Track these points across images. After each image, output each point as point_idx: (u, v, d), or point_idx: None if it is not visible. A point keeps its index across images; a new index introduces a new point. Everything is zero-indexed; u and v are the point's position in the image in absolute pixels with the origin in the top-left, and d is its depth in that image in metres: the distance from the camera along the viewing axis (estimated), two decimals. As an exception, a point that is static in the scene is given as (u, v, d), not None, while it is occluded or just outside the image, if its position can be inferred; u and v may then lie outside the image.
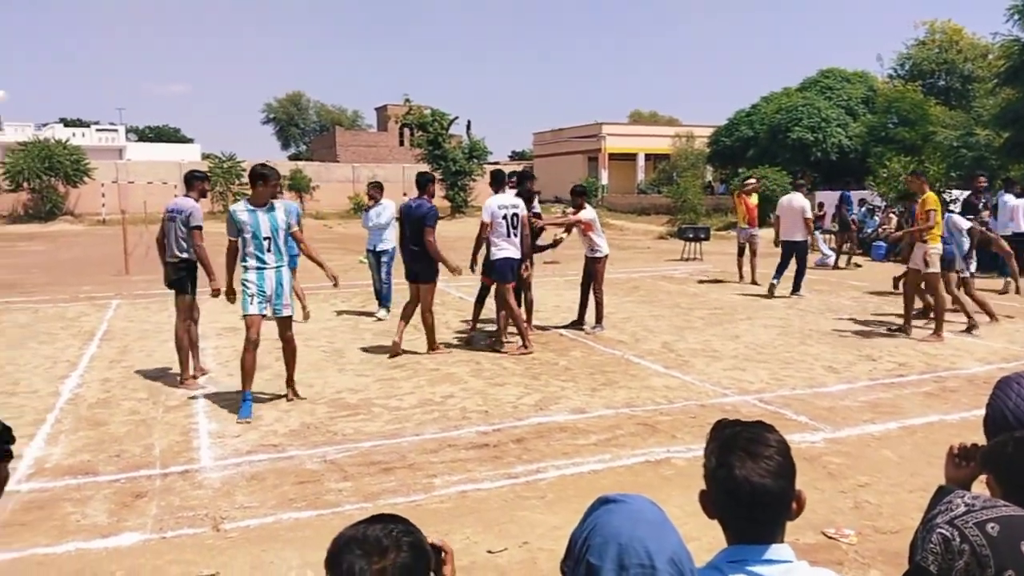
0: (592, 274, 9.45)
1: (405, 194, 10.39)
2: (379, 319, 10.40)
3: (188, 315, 7.12)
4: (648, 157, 43.95)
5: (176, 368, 7.19)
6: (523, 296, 8.99)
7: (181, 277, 7.04)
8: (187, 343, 7.10)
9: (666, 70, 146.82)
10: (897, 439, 5.48)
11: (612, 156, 43.88)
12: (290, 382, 6.58)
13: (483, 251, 8.48)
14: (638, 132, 47.29)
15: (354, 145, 56.34)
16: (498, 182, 8.46)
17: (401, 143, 54.68)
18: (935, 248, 8.86)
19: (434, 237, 7.94)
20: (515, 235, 8.23)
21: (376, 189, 10.91)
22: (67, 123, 58.79)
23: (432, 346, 8.27)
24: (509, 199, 8.36)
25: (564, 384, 6.96)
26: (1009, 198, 13.73)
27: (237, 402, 6.28)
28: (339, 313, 10.94)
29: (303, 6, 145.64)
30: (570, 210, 9.83)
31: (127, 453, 5.22)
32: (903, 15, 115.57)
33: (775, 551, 1.54)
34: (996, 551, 1.18)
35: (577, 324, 9.62)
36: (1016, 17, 17.28)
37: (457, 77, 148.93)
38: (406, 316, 8.22)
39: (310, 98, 76.62)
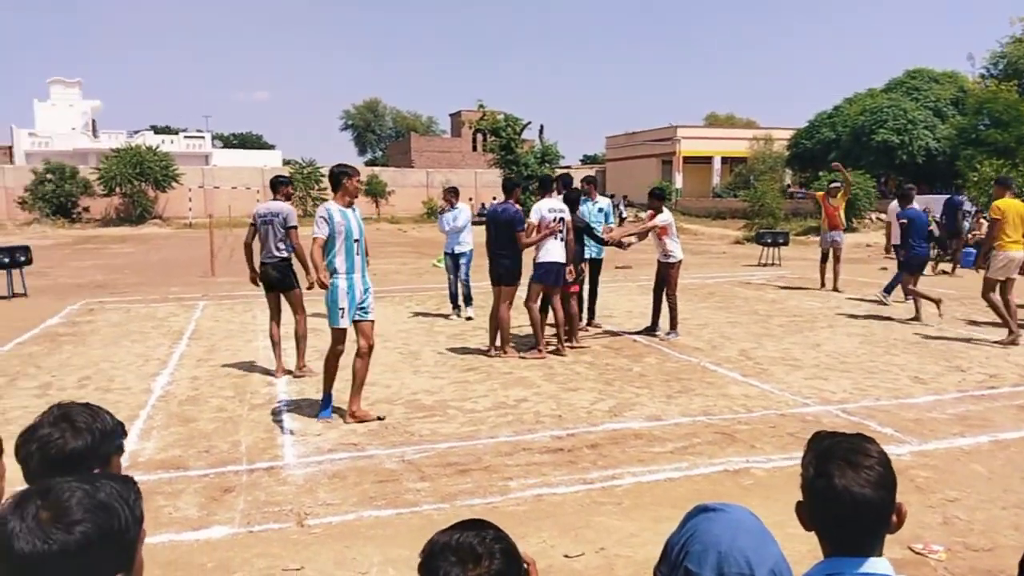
0: (666, 279, 9.38)
1: (494, 198, 10.60)
2: (468, 318, 10.69)
3: (301, 308, 7.61)
4: (724, 160, 43.24)
5: (263, 362, 7.47)
6: (567, 304, 8.71)
7: (287, 275, 7.53)
8: (302, 334, 7.64)
9: (744, 71, 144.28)
10: (988, 453, 5.25)
11: (687, 159, 43.32)
12: (355, 398, 6.14)
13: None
14: (714, 135, 46.54)
15: (428, 151, 57.25)
16: (545, 187, 8.71)
17: (474, 148, 55.24)
18: (1000, 255, 9.01)
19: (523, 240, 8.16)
20: (561, 239, 8.31)
21: (452, 194, 11.18)
22: (157, 131, 61.57)
23: (504, 347, 8.34)
24: (557, 203, 8.47)
25: (639, 391, 6.91)
26: None
27: (315, 403, 6.49)
28: (414, 315, 11.14)
29: (380, 15, 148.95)
30: (646, 214, 9.75)
31: (215, 449, 5.44)
32: (997, 11, 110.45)
33: (873, 564, 1.52)
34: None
35: (651, 330, 9.54)
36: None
37: (530, 82, 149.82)
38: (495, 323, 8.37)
39: (386, 105, 78.40)
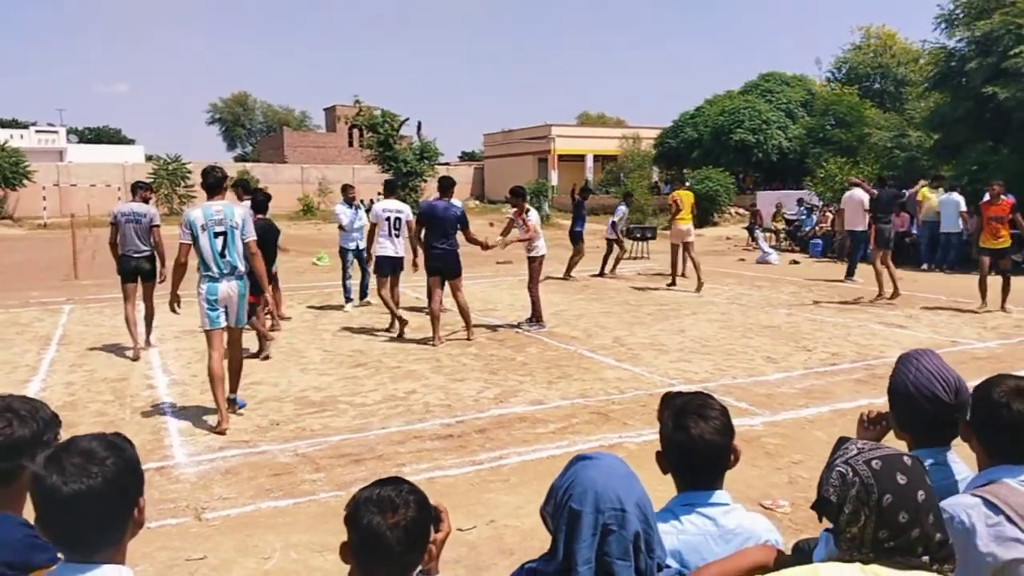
0: (528, 273, 9.92)
1: (379, 193, 10.90)
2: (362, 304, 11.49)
3: (152, 295, 8.65)
4: (596, 158, 44.59)
5: (142, 365, 7.35)
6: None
7: (154, 266, 8.52)
8: (151, 315, 8.75)
9: (613, 72, 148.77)
10: (828, 421, 5.96)
11: (561, 157, 44.41)
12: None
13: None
14: (586, 134, 47.92)
15: (302, 146, 55.87)
16: (389, 189, 9.84)
17: (350, 144, 54.42)
18: (677, 227, 13.35)
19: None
20: (397, 236, 9.38)
21: (354, 190, 11.76)
22: (4, 124, 57.05)
23: (470, 331, 9.11)
24: (394, 204, 9.54)
25: (522, 378, 7.30)
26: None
27: (202, 402, 6.55)
28: (297, 313, 11.10)
29: (248, 5, 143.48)
30: (512, 211, 10.18)
31: (101, 451, 5.37)
32: (841, 20, 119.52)
33: (718, 496, 1.92)
34: (879, 481, 1.54)
35: (532, 320, 9.97)
36: (943, 26, 18.24)
37: (407, 78, 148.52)
38: (437, 314, 8.89)
39: (256, 98, 75.71)
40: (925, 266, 15.69)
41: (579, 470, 1.69)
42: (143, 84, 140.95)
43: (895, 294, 11.68)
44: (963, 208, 14.87)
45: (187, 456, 5.33)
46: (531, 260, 9.86)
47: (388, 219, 9.34)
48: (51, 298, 12.81)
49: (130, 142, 64.46)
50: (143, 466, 1.67)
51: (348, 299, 11.49)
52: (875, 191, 12.76)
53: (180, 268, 5.97)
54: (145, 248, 8.38)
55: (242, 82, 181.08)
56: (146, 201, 8.65)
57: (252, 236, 6.02)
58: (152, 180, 37.54)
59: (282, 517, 4.32)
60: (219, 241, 5.84)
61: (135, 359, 8.20)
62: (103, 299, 12.40)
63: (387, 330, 9.61)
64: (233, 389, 6.18)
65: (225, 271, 5.88)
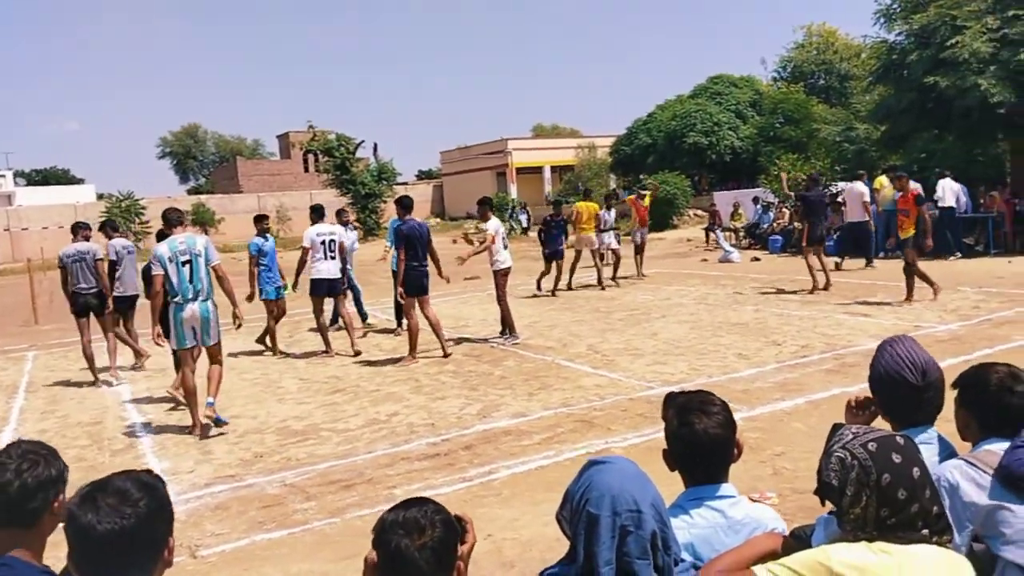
0: (495, 286, 9.98)
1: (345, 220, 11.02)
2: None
3: (110, 327, 9.14)
4: (554, 169, 44.95)
5: (115, 408, 7.25)
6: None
7: (103, 301, 8.97)
8: (112, 348, 9.12)
9: (565, 83, 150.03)
10: (805, 412, 6.11)
11: (519, 170, 44.68)
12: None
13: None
14: (543, 145, 48.32)
15: (257, 175, 55.39)
16: (317, 214, 10.00)
17: (306, 170, 54.16)
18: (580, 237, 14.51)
19: None
20: (332, 258, 9.65)
21: (347, 214, 12.08)
22: (-55, 171, 55.55)
23: (444, 345, 9.13)
24: (327, 227, 9.84)
25: (502, 392, 7.36)
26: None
27: (182, 440, 6.52)
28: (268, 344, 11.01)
29: (192, 36, 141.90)
30: (480, 226, 10.42)
31: (85, 497, 5.29)
32: (783, 20, 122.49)
33: (724, 489, 2.00)
34: (876, 461, 1.64)
35: (505, 333, 10.06)
36: (882, 20, 18.80)
37: (360, 100, 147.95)
38: (417, 330, 9.03)
39: (207, 129, 74.97)
40: (882, 254, 16.07)
41: (594, 474, 1.75)
42: (89, 121, 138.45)
43: (827, 286, 12.17)
44: (866, 197, 15.25)
45: (174, 495, 5.19)
46: (495, 273, 9.93)
47: (323, 242, 9.61)
48: (12, 345, 12.53)
49: (79, 181, 63.16)
50: None
51: (365, 317, 11.79)
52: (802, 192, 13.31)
53: (157, 297, 6.58)
54: (93, 284, 8.91)
55: (192, 114, 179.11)
56: (87, 239, 9.16)
57: (217, 260, 6.77)
58: (105, 220, 37.02)
59: (278, 548, 4.31)
60: (186, 269, 6.56)
61: (95, 385, 8.80)
62: (66, 343, 12.14)
63: (324, 352, 9.72)
64: (213, 394, 6.65)
65: (190, 296, 6.57)
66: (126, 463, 6.07)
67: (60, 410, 7.94)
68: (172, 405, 7.59)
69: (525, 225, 35.40)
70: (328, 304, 10.32)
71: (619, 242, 15.89)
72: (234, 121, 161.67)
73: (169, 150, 73.75)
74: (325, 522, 4.60)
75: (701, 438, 1.98)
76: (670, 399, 2.13)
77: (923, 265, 11.19)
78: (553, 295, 13.95)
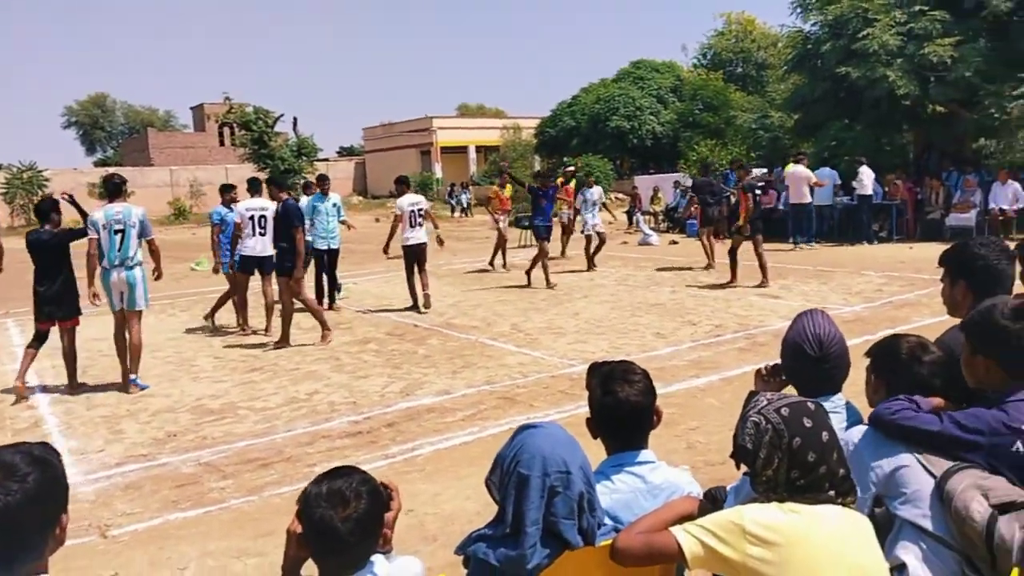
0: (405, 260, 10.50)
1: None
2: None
3: None
4: (479, 149, 44.79)
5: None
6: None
7: None
8: None
9: (490, 63, 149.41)
10: (718, 389, 6.32)
11: (444, 150, 44.35)
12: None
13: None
14: (467, 125, 48.00)
15: (169, 147, 53.20)
16: (252, 188, 9.60)
17: (222, 143, 52.31)
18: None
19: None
20: (263, 234, 9.24)
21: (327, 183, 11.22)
22: None
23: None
24: (259, 203, 9.34)
25: (426, 371, 7.34)
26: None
27: (90, 419, 6.33)
28: (180, 322, 10.67)
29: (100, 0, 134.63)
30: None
31: (-16, 479, 5.04)
32: (704, 6, 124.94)
33: (644, 455, 2.07)
34: (788, 425, 1.72)
35: (414, 307, 10.43)
36: (799, 10, 19.39)
37: (279, 72, 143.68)
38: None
39: (116, 99, 71.40)
40: (791, 240, 16.61)
41: (526, 438, 1.78)
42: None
43: (709, 266, 13.12)
44: (812, 179, 15.56)
45: (82, 475, 5.08)
46: (403, 248, 10.40)
47: (252, 218, 9.24)
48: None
49: (-26, 150, 59.44)
50: None
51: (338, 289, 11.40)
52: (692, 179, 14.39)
53: (91, 259, 6.99)
54: None
55: (99, 83, 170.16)
56: None
57: (151, 235, 7.29)
58: (5, 191, 34.98)
59: (194, 527, 4.21)
60: (117, 238, 6.98)
61: None
62: (-38, 319, 11.50)
63: (265, 331, 9.43)
64: (134, 369, 7.12)
65: (116, 263, 6.99)
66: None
67: (-44, 389, 7.52)
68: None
69: (465, 205, 35.19)
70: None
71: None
72: (145, 91, 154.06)
73: (75, 119, 69.94)
74: (243, 500, 4.52)
75: (624, 405, 2.04)
76: (594, 369, 2.18)
77: (841, 248, 11.72)
78: (550, 285, 11.95)
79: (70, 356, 7.19)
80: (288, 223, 8.40)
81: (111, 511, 4.45)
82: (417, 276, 10.43)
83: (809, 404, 1.78)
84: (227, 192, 10.18)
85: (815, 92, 18.42)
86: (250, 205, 9.35)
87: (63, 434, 5.97)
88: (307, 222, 10.79)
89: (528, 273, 12.40)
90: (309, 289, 9.92)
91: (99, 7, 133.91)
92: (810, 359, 2.33)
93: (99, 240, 6.94)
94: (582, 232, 14.24)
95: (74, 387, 7.21)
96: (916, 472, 2.01)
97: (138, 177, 40.96)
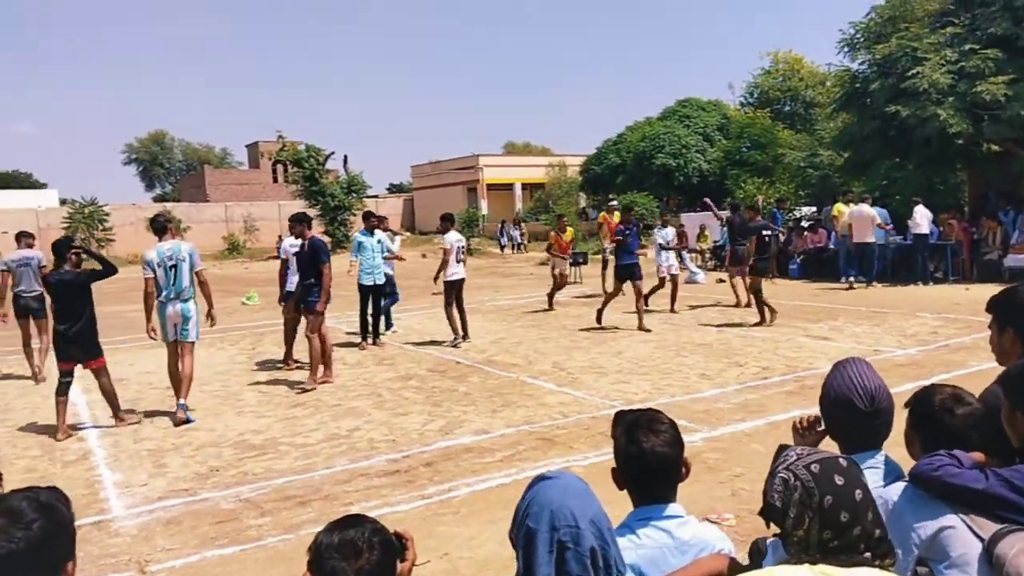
0: (445, 295, 10.85)
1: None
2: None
3: (47, 330, 9.17)
4: (525, 186, 45.13)
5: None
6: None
7: (43, 305, 9.22)
8: (46, 348, 9.44)
9: (537, 102, 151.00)
10: (765, 433, 6.16)
11: (490, 186, 44.77)
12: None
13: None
14: (514, 163, 48.51)
15: (225, 184, 54.80)
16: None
17: (275, 180, 53.72)
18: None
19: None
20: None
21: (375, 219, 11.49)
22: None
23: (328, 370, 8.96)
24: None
25: (465, 408, 7.32)
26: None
27: (136, 451, 6.42)
28: (229, 356, 10.86)
29: (161, 40, 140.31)
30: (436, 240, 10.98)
31: (32, 510, 5.16)
32: (750, 47, 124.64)
33: (672, 509, 2.00)
34: (818, 483, 1.65)
35: (455, 341, 10.71)
36: (846, 49, 19.25)
37: (331, 111, 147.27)
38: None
39: (174, 136, 74.02)
40: (843, 280, 16.33)
41: (538, 490, 1.75)
42: (50, 124, 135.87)
43: (737, 304, 13.26)
44: (878, 219, 15.61)
45: (125, 509, 5.16)
46: (446, 284, 10.75)
47: (296, 255, 9.28)
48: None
49: (42, 186, 61.93)
50: (78, 522, 1.61)
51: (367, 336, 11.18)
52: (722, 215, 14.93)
53: (149, 298, 7.35)
54: (37, 288, 9.51)
55: (159, 120, 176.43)
56: (31, 247, 9.96)
57: (200, 266, 7.64)
58: (68, 224, 36.30)
59: (229, 565, 4.23)
60: (172, 273, 7.38)
61: (36, 383, 9.25)
62: (19, 349, 11.86)
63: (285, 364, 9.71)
64: (183, 395, 7.38)
65: (172, 296, 7.39)
66: (78, 474, 5.94)
67: (10, 419, 7.74)
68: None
69: (519, 241, 35.25)
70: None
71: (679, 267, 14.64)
72: (202, 129, 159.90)
73: (135, 156, 72.66)
74: (279, 538, 4.53)
75: (648, 456, 1.99)
76: (619, 417, 2.14)
77: (895, 289, 11.48)
78: (642, 326, 11.40)
79: (109, 393, 7.29)
80: (316, 260, 8.52)
81: (151, 546, 4.50)
82: (456, 309, 10.77)
83: (841, 460, 1.71)
84: (296, 225, 10.44)
85: (864, 130, 18.15)
86: (293, 242, 9.53)
87: (109, 467, 6.08)
88: (354, 257, 11.02)
89: (599, 313, 11.94)
90: (347, 324, 10.09)
91: (159, 47, 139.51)
92: (860, 414, 2.24)
93: (155, 278, 7.33)
94: (659, 274, 13.81)
95: (120, 418, 7.33)
96: (962, 534, 1.91)
97: (194, 213, 42.27)
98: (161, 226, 7.70)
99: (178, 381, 7.44)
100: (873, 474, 2.23)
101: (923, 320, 11.30)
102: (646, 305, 12.93)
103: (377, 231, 11.23)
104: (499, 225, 37.59)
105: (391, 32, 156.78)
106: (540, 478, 1.80)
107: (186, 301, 7.44)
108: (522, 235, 35.56)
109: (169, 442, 6.69)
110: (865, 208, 15.63)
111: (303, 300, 8.72)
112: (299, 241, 9.20)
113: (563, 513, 1.68)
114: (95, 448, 6.62)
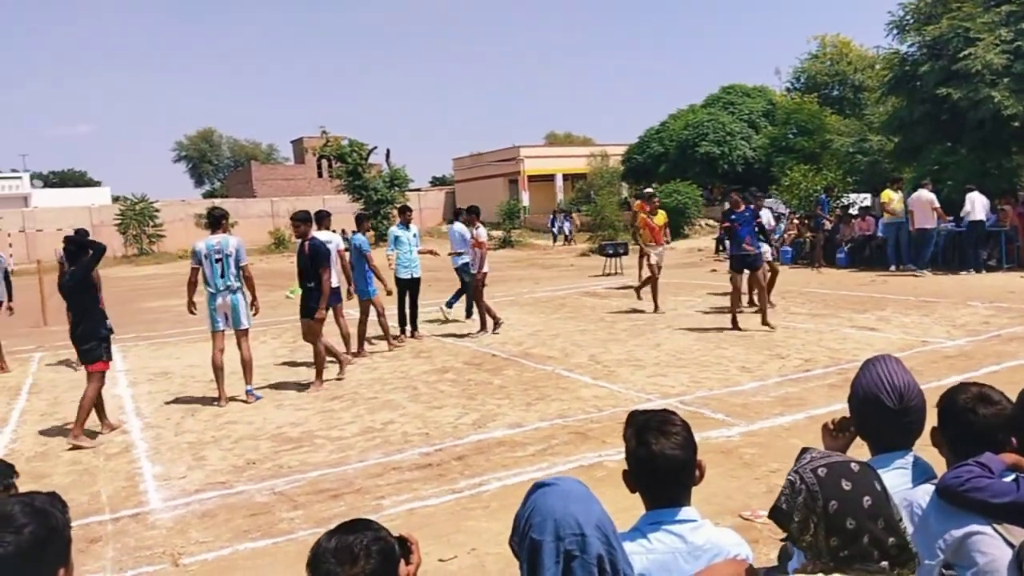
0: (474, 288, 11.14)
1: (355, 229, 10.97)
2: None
3: None
4: (566, 177, 44.89)
5: (114, 411, 7.27)
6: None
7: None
8: None
9: (578, 91, 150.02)
10: (804, 428, 6.00)
11: (531, 178, 44.67)
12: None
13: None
14: (555, 153, 48.31)
15: (271, 179, 55.69)
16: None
17: (320, 175, 54.35)
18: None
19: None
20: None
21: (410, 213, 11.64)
22: (-36, 173, 56.18)
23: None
24: (325, 235, 9.32)
25: (500, 402, 7.30)
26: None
27: (176, 444, 6.55)
28: (271, 349, 11.02)
29: (208, 40, 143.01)
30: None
31: (75, 502, 5.26)
32: (797, 31, 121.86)
33: (685, 512, 1.93)
34: (823, 487, 1.57)
35: (486, 329, 10.98)
36: (895, 31, 18.67)
37: (373, 106, 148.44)
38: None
39: (222, 134, 75.46)
40: (893, 267, 15.90)
41: (537, 498, 1.70)
42: (106, 124, 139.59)
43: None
44: (936, 204, 15.16)
45: (162, 501, 5.25)
46: (474, 276, 10.99)
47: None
48: (20, 346, 12.56)
49: (96, 184, 63.69)
50: (117, 515, 1.60)
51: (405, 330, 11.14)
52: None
53: (191, 286, 7.88)
54: None
55: (207, 118, 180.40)
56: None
57: (245, 261, 7.86)
58: (119, 221, 37.26)
59: (260, 559, 4.27)
60: (219, 266, 7.66)
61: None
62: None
63: (355, 353, 9.87)
64: (248, 380, 7.94)
65: (221, 288, 7.69)
66: (120, 467, 6.07)
67: (60, 413, 7.94)
68: (168, 411, 7.62)
69: (568, 234, 34.82)
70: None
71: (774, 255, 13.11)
72: (249, 126, 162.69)
73: (184, 154, 74.29)
74: (309, 532, 4.55)
75: (658, 459, 1.92)
76: (631, 418, 2.08)
77: (945, 277, 11.06)
78: (765, 324, 10.21)
79: (86, 401, 6.68)
80: (316, 263, 8.13)
81: (185, 539, 4.57)
82: (484, 300, 11.11)
83: (852, 464, 1.62)
84: (362, 223, 10.86)
85: (914, 114, 17.62)
86: (329, 237, 9.69)
87: (150, 459, 6.20)
88: (391, 251, 11.10)
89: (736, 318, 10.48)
90: (383, 318, 10.24)
91: (207, 46, 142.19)
92: (888, 412, 2.15)
93: (201, 269, 7.68)
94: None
95: (75, 435, 6.58)
96: (992, 540, 1.82)
97: (241, 208, 43.02)
98: (215, 220, 7.94)
99: (221, 373, 7.72)
100: (901, 475, 2.14)
101: (974, 309, 10.93)
102: (638, 297, 12.89)
103: (412, 225, 11.29)
104: (550, 216, 37.08)
105: (432, 27, 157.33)
106: (538, 485, 1.74)
107: (234, 293, 7.76)
108: (572, 227, 35.08)
109: (209, 435, 6.81)
110: (924, 193, 15.22)
111: (303, 306, 8.38)
112: (327, 236, 9.25)
113: (567, 521, 1.63)
114: (137, 441, 6.77)
